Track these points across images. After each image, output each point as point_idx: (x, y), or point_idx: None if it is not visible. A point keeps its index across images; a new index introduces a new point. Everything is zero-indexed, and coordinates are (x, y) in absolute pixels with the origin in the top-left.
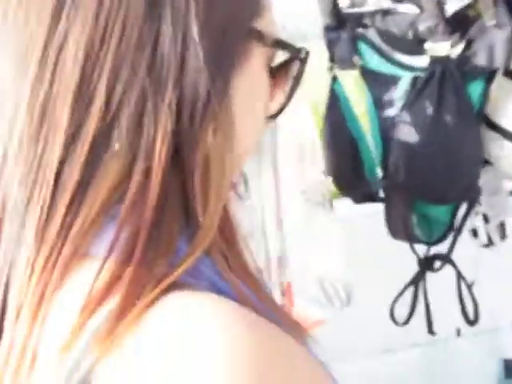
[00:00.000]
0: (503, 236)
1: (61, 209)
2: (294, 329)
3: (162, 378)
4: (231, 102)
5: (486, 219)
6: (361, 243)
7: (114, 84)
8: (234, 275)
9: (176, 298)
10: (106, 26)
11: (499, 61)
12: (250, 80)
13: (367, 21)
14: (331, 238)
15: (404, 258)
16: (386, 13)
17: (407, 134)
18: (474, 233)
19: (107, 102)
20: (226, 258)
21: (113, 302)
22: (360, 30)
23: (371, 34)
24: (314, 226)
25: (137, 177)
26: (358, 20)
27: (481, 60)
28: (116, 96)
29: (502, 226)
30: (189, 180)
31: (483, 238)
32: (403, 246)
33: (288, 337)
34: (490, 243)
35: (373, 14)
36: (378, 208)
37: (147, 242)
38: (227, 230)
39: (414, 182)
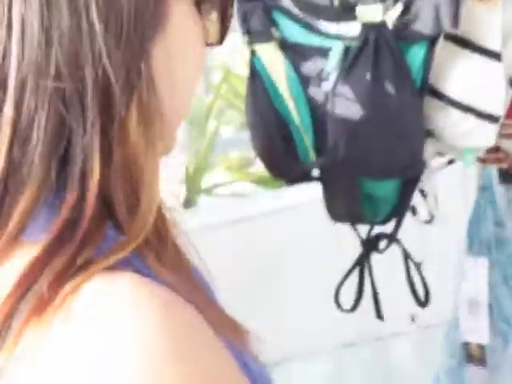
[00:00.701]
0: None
1: None
2: (230, 329)
3: (75, 357)
4: (154, 74)
5: (423, 194)
6: None
7: (23, 90)
8: (165, 272)
9: (97, 283)
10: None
11: (445, 24)
12: (180, 31)
13: None
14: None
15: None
16: None
17: (344, 107)
18: (413, 210)
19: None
20: (157, 255)
21: (37, 290)
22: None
23: (286, 2)
24: None
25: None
26: None
27: (423, 24)
28: (28, 103)
29: (436, 199)
30: (120, 168)
31: (423, 214)
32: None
33: (205, 326)
34: (430, 219)
35: None
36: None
37: (81, 230)
38: (160, 224)
39: (355, 157)
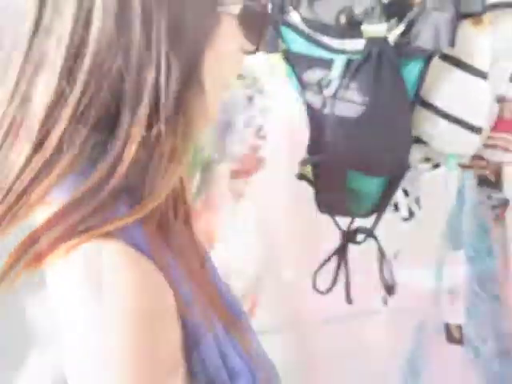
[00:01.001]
0: (419, 208)
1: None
2: (218, 311)
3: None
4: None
5: (406, 194)
6: None
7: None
8: (157, 249)
9: (92, 245)
10: (83, 29)
11: (442, 44)
12: (226, 39)
13: (291, 7)
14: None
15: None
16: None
17: (344, 110)
18: (396, 206)
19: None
20: (164, 232)
21: (43, 242)
22: (282, 15)
23: (294, 19)
24: None
25: (114, 151)
26: (281, 5)
27: (422, 43)
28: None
29: (417, 200)
30: (160, 154)
31: (404, 212)
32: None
33: (164, 299)
34: (410, 216)
35: (295, 1)
36: None
37: (98, 200)
38: (181, 207)
39: (349, 154)
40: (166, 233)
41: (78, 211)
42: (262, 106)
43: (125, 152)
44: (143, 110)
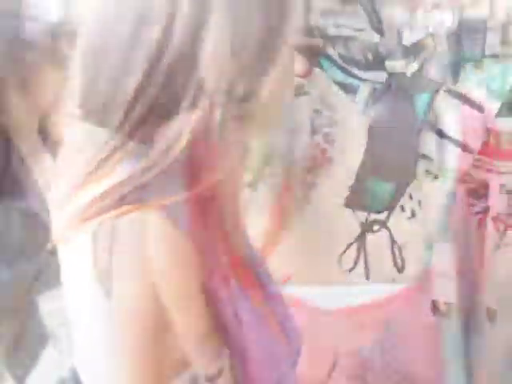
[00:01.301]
0: (420, 210)
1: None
2: (247, 283)
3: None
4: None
5: (410, 198)
6: None
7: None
8: (194, 225)
9: (140, 213)
10: (166, 41)
11: (448, 81)
12: (284, 65)
13: (329, 44)
14: None
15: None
16: (347, 38)
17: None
18: (402, 208)
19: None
20: (204, 214)
21: (103, 206)
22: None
23: (332, 53)
24: None
25: (171, 136)
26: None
27: (431, 78)
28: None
29: (419, 203)
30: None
31: (408, 212)
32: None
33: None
34: (412, 216)
35: (334, 38)
36: None
37: (147, 177)
38: (228, 189)
39: (373, 163)
40: (207, 208)
41: (131, 185)
42: (329, 117)
43: (179, 138)
44: (202, 106)
